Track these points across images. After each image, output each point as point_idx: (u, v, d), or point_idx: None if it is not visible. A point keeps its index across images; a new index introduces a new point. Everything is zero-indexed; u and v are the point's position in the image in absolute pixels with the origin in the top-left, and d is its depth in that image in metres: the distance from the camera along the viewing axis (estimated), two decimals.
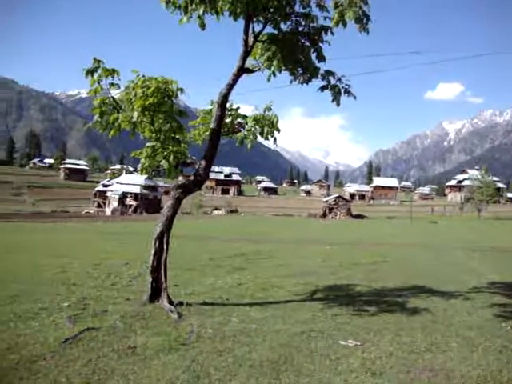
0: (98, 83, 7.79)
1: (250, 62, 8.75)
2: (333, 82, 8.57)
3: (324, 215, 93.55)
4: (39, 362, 5.40)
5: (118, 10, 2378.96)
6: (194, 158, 8.70)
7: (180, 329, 6.79)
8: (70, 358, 5.52)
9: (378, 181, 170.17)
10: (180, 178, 8.60)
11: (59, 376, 5.00)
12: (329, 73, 8.54)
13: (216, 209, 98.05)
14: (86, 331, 6.57)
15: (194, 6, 7.79)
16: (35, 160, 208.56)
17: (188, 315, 7.59)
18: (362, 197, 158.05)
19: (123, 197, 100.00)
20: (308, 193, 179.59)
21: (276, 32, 8.41)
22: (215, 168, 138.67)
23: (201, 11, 7.80)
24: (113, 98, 8.00)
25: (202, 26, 7.96)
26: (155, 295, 8.16)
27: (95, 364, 5.34)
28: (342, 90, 8.57)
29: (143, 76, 7.69)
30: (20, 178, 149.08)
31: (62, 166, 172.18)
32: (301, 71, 8.58)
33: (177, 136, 8.14)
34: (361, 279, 12.65)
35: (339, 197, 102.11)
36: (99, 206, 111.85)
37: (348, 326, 7.21)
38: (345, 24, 7.60)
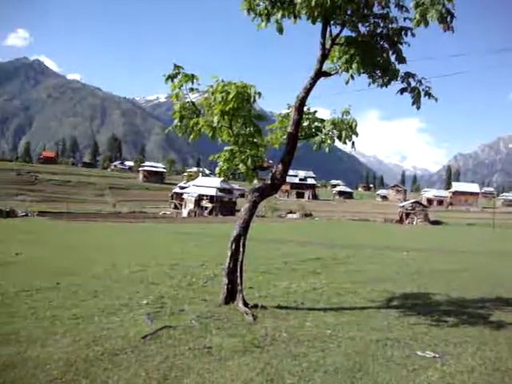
0: (179, 88, 8.01)
1: (327, 66, 8.67)
2: (413, 84, 8.29)
3: (400, 220, 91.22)
4: (121, 355, 5.63)
5: (194, 17, 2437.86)
6: (270, 161, 8.72)
7: (255, 331, 6.80)
8: (149, 354, 5.70)
9: (457, 186, 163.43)
10: (255, 182, 8.65)
11: (139, 370, 5.18)
12: (409, 75, 8.28)
13: (290, 212, 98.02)
14: (164, 329, 6.74)
15: (273, 11, 7.84)
16: (116, 163, 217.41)
17: (262, 318, 7.60)
18: (441, 202, 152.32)
19: (199, 199, 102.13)
20: (384, 197, 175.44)
21: (354, 34, 8.28)
22: (290, 171, 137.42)
23: (279, 16, 7.84)
24: (192, 102, 8.20)
25: (280, 30, 7.98)
26: (230, 297, 8.24)
27: (172, 361, 5.47)
28: (423, 93, 8.28)
29: (222, 81, 7.81)
30: (102, 180, 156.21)
31: (141, 169, 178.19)
32: (379, 74, 8.39)
33: (255, 140, 8.20)
34: (439, 288, 12.13)
35: (416, 202, 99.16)
36: (176, 207, 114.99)
37: (426, 337, 6.91)
38: (427, 24, 7.33)
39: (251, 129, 8.00)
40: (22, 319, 7.47)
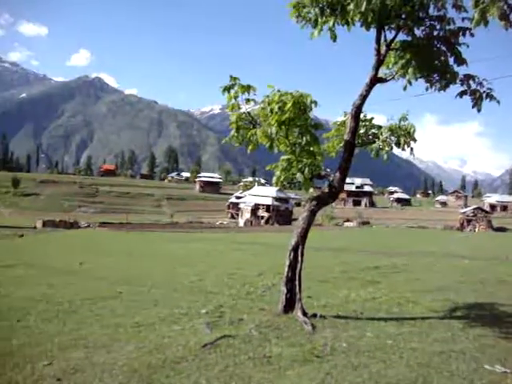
0: (235, 99, 8.11)
1: (383, 71, 8.56)
2: (473, 86, 8.04)
3: (461, 227, 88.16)
4: (182, 363, 5.73)
5: (248, 28, 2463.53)
6: (328, 170, 8.67)
7: (314, 341, 6.74)
8: (209, 363, 5.76)
9: None
10: (311, 190, 8.61)
11: (200, 378, 5.25)
12: (468, 77, 8.02)
13: (347, 220, 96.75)
14: (224, 338, 6.78)
15: (324, 18, 7.82)
16: (173, 174, 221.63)
17: (322, 327, 7.52)
18: (505, 208, 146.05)
19: (255, 208, 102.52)
20: (444, 204, 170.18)
21: (409, 38, 8.14)
22: (347, 179, 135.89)
23: (331, 23, 7.80)
24: (248, 113, 8.27)
25: (334, 37, 7.95)
26: (289, 306, 8.21)
27: (232, 370, 5.49)
28: (484, 95, 8.01)
29: (278, 91, 7.85)
30: (160, 191, 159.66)
31: (198, 179, 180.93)
32: (437, 77, 8.19)
33: (311, 149, 8.17)
34: (506, 298, 11.53)
35: (478, 208, 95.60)
36: (232, 217, 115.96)
37: (493, 350, 6.56)
38: (486, 23, 7.09)
39: (308, 138, 7.96)
40: (88, 326, 7.76)
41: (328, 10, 7.76)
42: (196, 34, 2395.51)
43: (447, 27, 7.88)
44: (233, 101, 8.12)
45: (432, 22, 7.91)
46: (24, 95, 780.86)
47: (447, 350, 6.46)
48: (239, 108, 8.22)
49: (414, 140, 8.38)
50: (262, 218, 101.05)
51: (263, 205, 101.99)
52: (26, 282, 13.29)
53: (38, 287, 12.11)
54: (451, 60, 8.01)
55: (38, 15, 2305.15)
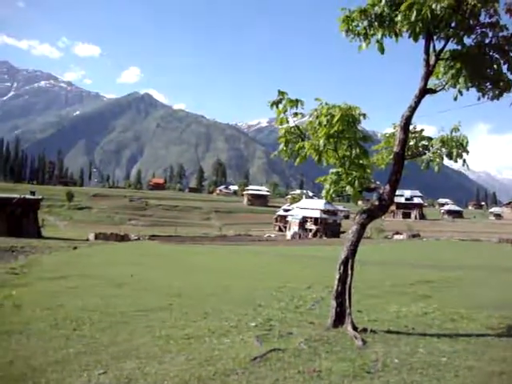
0: (283, 113, 8.16)
1: (432, 82, 8.43)
2: None
3: None
4: (232, 376, 5.75)
5: (294, 42, 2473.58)
6: (377, 182, 8.58)
7: (365, 356, 6.61)
8: (259, 376, 5.75)
9: None
10: (360, 203, 8.53)
11: None
12: None
13: (397, 233, 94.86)
14: (273, 351, 6.75)
15: (372, 31, 7.80)
16: (221, 187, 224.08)
17: (372, 342, 7.37)
18: None
19: (303, 221, 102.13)
20: (498, 216, 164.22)
21: (459, 47, 7.99)
22: (396, 191, 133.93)
23: (379, 35, 7.77)
24: (297, 126, 8.31)
25: (382, 50, 7.90)
26: (339, 320, 8.11)
27: None
28: None
29: (326, 104, 7.86)
30: (208, 204, 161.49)
31: (246, 192, 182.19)
32: (490, 86, 8.00)
33: (361, 161, 8.12)
34: None
35: None
36: (280, 229, 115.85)
37: None
38: None
39: (357, 150, 7.92)
40: (139, 337, 7.91)
41: (376, 23, 7.75)
42: (243, 48, 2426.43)
43: (500, 34, 7.70)
44: (281, 115, 8.17)
45: (484, 30, 7.76)
46: (78, 112, 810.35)
47: (508, 370, 6.13)
48: (287, 122, 8.27)
49: (467, 152, 8.18)
50: (310, 230, 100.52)
51: (311, 217, 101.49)
52: (80, 292, 13.66)
53: (92, 298, 12.43)
54: (504, 68, 7.81)
55: (92, 36, 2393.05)
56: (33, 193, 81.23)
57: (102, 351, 7.00)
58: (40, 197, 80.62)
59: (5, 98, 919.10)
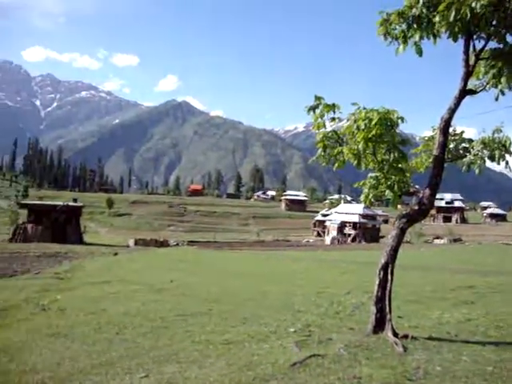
0: (320, 118, 8.14)
1: (472, 83, 8.25)
2: None
3: None
4: (271, 382, 5.74)
5: (330, 47, 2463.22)
6: (417, 186, 8.44)
7: (406, 363, 6.47)
8: (299, 382, 5.72)
9: None
10: (399, 207, 8.42)
11: None
12: None
13: (438, 237, 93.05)
14: (313, 357, 6.70)
15: (410, 33, 7.70)
16: (259, 193, 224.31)
17: (413, 349, 7.20)
18: None
19: (342, 226, 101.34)
20: None
21: (501, 46, 7.79)
22: (436, 195, 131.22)
23: (417, 37, 7.66)
24: (334, 131, 8.27)
25: (420, 52, 7.78)
26: (379, 326, 7.99)
27: None
28: None
29: (364, 108, 7.79)
30: (246, 210, 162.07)
31: (283, 198, 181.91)
32: None
33: (399, 165, 8.01)
34: None
35: None
36: (319, 235, 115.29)
37: None
38: None
39: (396, 154, 7.81)
40: (179, 341, 8.01)
41: (414, 25, 7.65)
42: (280, 54, 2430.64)
43: None
44: (318, 120, 8.15)
45: None
46: (117, 121, 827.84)
47: None
48: (325, 127, 8.24)
49: (510, 153, 7.96)
50: (349, 235, 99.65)
51: (350, 222, 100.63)
52: (122, 297, 13.92)
53: (133, 303, 12.65)
54: None
55: (130, 46, 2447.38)
56: (75, 200, 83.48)
57: (143, 355, 7.12)
58: (82, 204, 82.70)
59: (49, 109, 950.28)
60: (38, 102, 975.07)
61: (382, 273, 8.02)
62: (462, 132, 8.89)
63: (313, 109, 8.09)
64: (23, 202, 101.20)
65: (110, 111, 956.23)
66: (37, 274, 24.31)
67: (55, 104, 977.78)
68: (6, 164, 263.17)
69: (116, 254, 45.86)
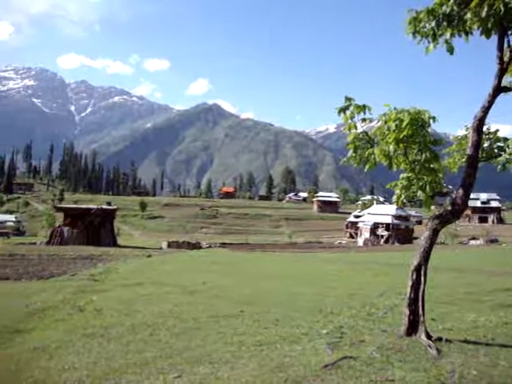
0: (351, 120, 8.08)
1: (507, 80, 8.08)
2: None
3: None
4: (303, 383, 5.76)
5: (359, 47, 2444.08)
6: (450, 186, 8.31)
7: (440, 366, 6.36)
8: None
9: None
10: (432, 208, 8.29)
11: None
12: None
13: (473, 238, 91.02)
14: (345, 359, 6.68)
15: (440, 31, 7.59)
16: (291, 194, 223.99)
17: (448, 352, 7.07)
18: None
19: (374, 227, 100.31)
20: None
21: None
22: (471, 195, 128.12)
23: (448, 35, 7.55)
24: (365, 132, 8.21)
25: (451, 50, 7.66)
26: (412, 328, 7.89)
27: None
28: None
29: (395, 109, 7.71)
30: (278, 212, 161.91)
31: (315, 199, 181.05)
32: None
33: (432, 165, 7.89)
34: None
35: None
36: (351, 236, 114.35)
37: None
38: None
39: (427, 154, 7.70)
40: (212, 343, 8.08)
41: (445, 23, 7.53)
42: (310, 55, 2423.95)
43: None
44: (349, 121, 8.09)
45: None
46: (149, 125, 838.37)
47: None
48: (356, 128, 8.18)
49: None
50: (382, 237, 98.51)
51: (382, 223, 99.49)
52: (155, 299, 14.10)
53: (166, 304, 12.80)
54: None
55: (161, 51, 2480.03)
56: (109, 203, 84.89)
57: (176, 356, 7.22)
58: (115, 207, 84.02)
59: (83, 115, 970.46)
60: (72, 108, 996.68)
61: (414, 274, 7.92)
62: (497, 130, 8.72)
63: (343, 110, 8.03)
64: (59, 205, 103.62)
65: (142, 115, 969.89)
66: (73, 275, 24.81)
67: (89, 109, 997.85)
68: (43, 169, 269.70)
69: (149, 256, 46.41)
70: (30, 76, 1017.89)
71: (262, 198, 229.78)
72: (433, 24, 7.60)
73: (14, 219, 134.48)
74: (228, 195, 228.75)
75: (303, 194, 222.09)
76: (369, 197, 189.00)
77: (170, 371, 6.40)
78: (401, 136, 7.48)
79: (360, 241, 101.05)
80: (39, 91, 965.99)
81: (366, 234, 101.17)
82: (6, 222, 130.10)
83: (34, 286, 19.02)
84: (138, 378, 6.15)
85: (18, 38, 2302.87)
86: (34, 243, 72.20)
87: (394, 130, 7.47)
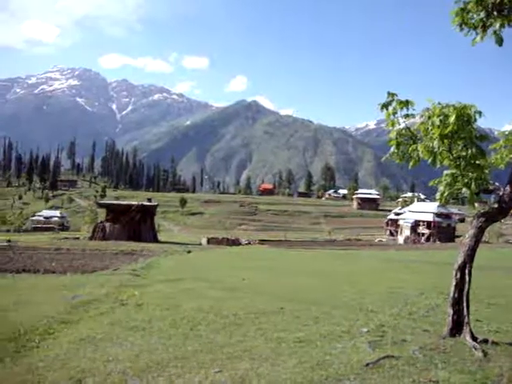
0: (393, 115, 7.92)
1: None
2: None
3: None
4: (344, 382, 5.72)
5: (399, 41, 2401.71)
6: (496, 183, 8.06)
7: (486, 369, 6.15)
8: (372, 383, 5.66)
9: None
10: (477, 205, 8.06)
11: None
12: None
13: None
14: (386, 358, 6.59)
15: (490, 21, 7.34)
16: (330, 191, 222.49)
17: (495, 355, 6.82)
18: None
19: (415, 225, 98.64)
20: None
21: None
22: None
23: (497, 26, 7.31)
24: (408, 128, 8.04)
25: (500, 41, 7.41)
26: (456, 329, 7.71)
27: None
28: None
29: (439, 104, 7.52)
30: (317, 209, 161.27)
31: (355, 196, 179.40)
32: None
33: (477, 162, 7.67)
34: None
35: None
36: (391, 234, 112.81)
37: None
38: None
39: (473, 150, 7.50)
40: (252, 339, 8.10)
41: (494, 12, 7.29)
42: (347, 50, 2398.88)
43: None
44: (391, 117, 7.94)
45: None
46: (189, 122, 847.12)
47: None
48: (398, 124, 8.02)
49: None
50: (423, 234, 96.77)
51: (424, 221, 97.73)
52: (195, 294, 14.23)
53: (206, 300, 12.90)
54: None
55: (200, 49, 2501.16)
56: (149, 200, 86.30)
57: (217, 351, 7.28)
58: (156, 203, 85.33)
59: (124, 113, 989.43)
60: (114, 106, 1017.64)
61: (458, 273, 7.74)
62: None
63: (386, 106, 7.88)
64: (101, 202, 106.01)
65: (181, 113, 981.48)
66: (115, 270, 25.35)
67: (130, 107, 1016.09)
68: (86, 166, 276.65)
69: (189, 251, 46.97)
70: (73, 76, 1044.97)
71: (301, 194, 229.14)
72: (482, 15, 7.36)
73: (58, 215, 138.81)
74: (267, 192, 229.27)
75: (343, 191, 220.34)
76: (410, 194, 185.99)
77: (211, 366, 6.45)
78: (446, 131, 7.28)
79: (400, 239, 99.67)
80: (82, 91, 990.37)
81: (407, 232, 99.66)
82: (51, 217, 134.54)
83: (78, 280, 19.53)
84: (180, 372, 6.23)
85: (63, 39, 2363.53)
86: (78, 238, 74.25)
87: (439, 126, 7.28)
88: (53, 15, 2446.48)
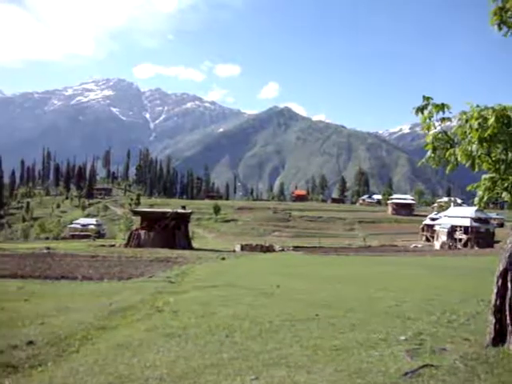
0: (429, 119, 7.78)
1: None
2: None
3: None
4: None
5: (432, 45, 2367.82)
6: None
7: None
8: None
9: None
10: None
11: None
12: None
13: None
14: (426, 367, 6.46)
15: None
16: (364, 197, 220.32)
17: None
18: None
19: (452, 230, 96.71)
20: None
21: None
22: None
23: None
24: (445, 132, 7.88)
25: None
26: (499, 338, 7.49)
27: None
28: None
29: (477, 106, 7.35)
30: (351, 215, 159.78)
31: (390, 202, 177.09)
32: None
33: None
34: None
35: None
36: (427, 239, 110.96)
37: None
38: None
39: None
40: (288, 346, 8.06)
41: None
42: (380, 55, 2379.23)
43: None
44: (427, 121, 7.79)
45: None
46: (221, 130, 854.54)
47: None
48: (434, 128, 7.87)
49: None
50: (460, 240, 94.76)
51: (461, 226, 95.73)
52: (230, 301, 14.25)
53: (241, 306, 12.91)
54: None
55: (231, 57, 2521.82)
56: (183, 207, 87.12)
57: (253, 358, 7.26)
58: (190, 210, 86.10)
59: (157, 122, 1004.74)
60: (147, 115, 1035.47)
61: (500, 280, 7.53)
62: None
63: (421, 110, 7.75)
64: (136, 209, 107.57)
65: (214, 120, 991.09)
66: (150, 277, 25.59)
67: (163, 116, 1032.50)
68: (121, 174, 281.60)
69: (223, 258, 47.09)
70: (108, 86, 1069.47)
71: (334, 200, 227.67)
72: None
73: (95, 222, 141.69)
74: (300, 198, 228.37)
75: (377, 197, 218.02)
76: (446, 199, 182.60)
77: (247, 373, 6.44)
78: (485, 135, 7.11)
79: (437, 244, 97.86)
80: (117, 100, 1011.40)
81: (443, 238, 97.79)
82: (88, 225, 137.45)
83: (114, 286, 19.81)
84: (216, 379, 6.25)
85: (99, 51, 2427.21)
86: (113, 245, 75.44)
87: (477, 129, 7.11)
88: (89, 28, 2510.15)
